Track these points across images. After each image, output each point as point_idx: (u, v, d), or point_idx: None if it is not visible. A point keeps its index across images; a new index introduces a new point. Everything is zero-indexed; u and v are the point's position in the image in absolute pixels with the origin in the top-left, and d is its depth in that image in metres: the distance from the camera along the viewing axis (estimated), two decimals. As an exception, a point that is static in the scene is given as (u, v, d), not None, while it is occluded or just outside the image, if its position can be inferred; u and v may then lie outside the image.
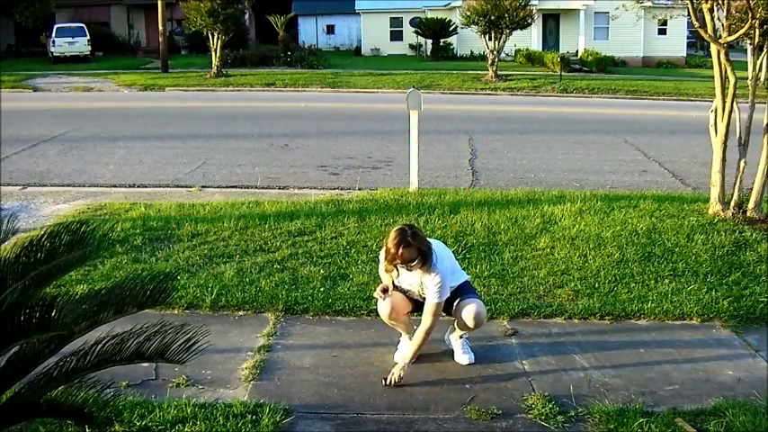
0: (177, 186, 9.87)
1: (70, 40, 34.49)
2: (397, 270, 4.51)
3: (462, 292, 4.58)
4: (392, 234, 4.36)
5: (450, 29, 38.38)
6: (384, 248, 4.43)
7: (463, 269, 6.11)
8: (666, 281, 6.04)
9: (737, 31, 7.53)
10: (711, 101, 8.25)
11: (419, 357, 4.64)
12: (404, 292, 4.62)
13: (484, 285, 5.93)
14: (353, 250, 6.69)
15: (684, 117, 18.98)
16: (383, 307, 4.59)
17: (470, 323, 4.53)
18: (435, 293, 4.40)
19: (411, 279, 4.52)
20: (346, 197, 8.83)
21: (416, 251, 4.31)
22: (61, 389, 2.78)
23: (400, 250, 4.28)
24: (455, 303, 4.55)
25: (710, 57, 8.37)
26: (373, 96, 23.88)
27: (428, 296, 4.43)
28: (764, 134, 7.50)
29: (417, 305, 4.65)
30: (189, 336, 2.81)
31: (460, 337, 4.76)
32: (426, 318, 4.44)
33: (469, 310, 4.50)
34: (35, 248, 2.72)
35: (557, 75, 29.24)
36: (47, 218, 7.99)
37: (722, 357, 4.87)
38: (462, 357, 4.70)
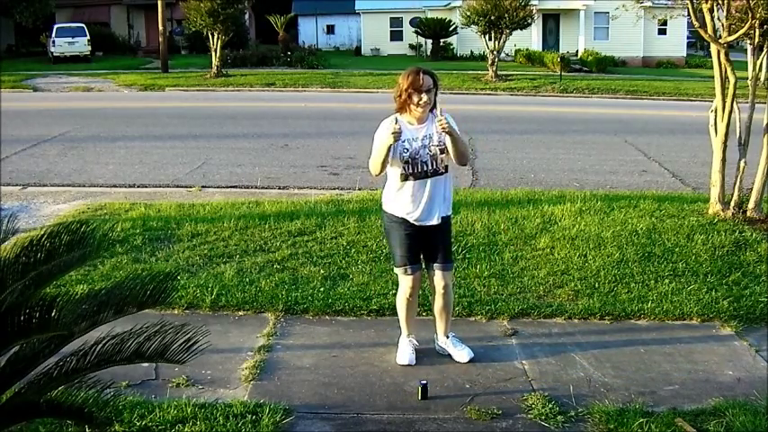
0: (177, 186, 9.87)
1: (70, 40, 34.46)
2: (401, 135, 4.44)
3: None
4: (405, 72, 4.52)
5: (450, 29, 38.37)
6: (398, 89, 4.48)
7: (463, 269, 6.18)
8: (666, 281, 6.04)
9: (737, 31, 7.54)
10: (711, 101, 8.25)
11: (419, 359, 4.68)
12: (412, 161, 4.50)
13: (484, 285, 5.93)
14: (353, 250, 6.69)
15: (684, 117, 18.97)
16: (408, 284, 4.57)
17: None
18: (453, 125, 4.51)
19: (416, 133, 4.53)
20: (346, 197, 8.83)
21: (433, 81, 4.51)
22: (61, 389, 2.78)
23: (421, 75, 4.44)
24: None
25: (710, 57, 8.37)
26: (373, 96, 23.84)
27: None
28: (764, 134, 7.51)
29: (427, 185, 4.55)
30: (189, 336, 2.81)
31: (447, 336, 4.78)
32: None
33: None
34: (35, 248, 2.72)
35: (557, 75, 29.23)
36: (47, 218, 7.99)
37: (722, 357, 4.87)
38: (460, 354, 4.70)
